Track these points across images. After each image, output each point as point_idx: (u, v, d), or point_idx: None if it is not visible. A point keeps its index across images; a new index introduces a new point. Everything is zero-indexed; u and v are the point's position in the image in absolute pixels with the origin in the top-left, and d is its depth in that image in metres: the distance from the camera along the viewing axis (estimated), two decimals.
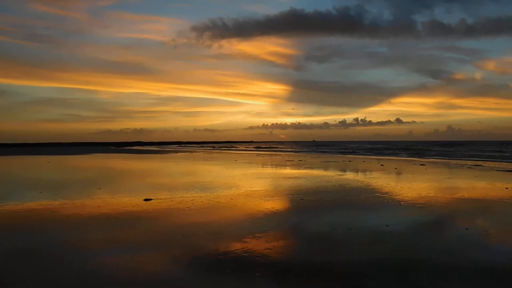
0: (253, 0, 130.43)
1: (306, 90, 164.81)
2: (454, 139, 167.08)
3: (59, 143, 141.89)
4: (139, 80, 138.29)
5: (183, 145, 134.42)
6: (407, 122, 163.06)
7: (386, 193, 10.33)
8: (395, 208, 8.22)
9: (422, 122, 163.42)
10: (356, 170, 18.91)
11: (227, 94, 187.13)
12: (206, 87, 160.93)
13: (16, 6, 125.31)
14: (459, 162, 26.21)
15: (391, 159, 30.40)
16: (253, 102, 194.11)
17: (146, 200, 9.08)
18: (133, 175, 17.13)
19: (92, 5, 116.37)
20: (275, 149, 69.35)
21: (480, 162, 25.87)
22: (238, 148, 77.30)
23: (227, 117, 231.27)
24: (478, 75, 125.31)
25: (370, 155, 40.74)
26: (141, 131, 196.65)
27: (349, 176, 15.88)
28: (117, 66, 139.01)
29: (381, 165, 22.58)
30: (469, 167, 20.57)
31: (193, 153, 46.44)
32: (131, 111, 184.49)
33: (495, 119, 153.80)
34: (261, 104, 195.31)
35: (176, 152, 52.09)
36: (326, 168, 20.55)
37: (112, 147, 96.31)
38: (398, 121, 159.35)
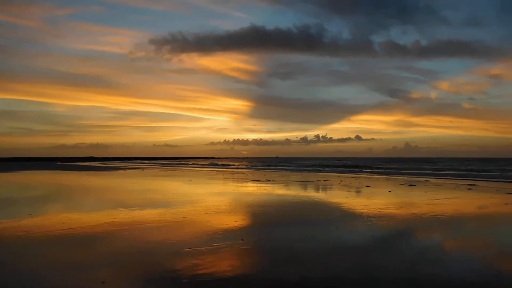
0: (213, 15, 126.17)
1: (268, 106, 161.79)
2: (411, 156, 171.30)
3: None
4: (97, 93, 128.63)
5: (139, 161, 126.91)
6: (366, 139, 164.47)
7: (443, 251, 6.18)
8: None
9: (381, 139, 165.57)
10: (344, 194, 14.87)
11: (188, 109, 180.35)
12: (167, 102, 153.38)
13: None
14: (447, 181, 23.07)
15: (370, 178, 26.86)
16: (215, 117, 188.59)
17: None
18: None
19: (47, 13, 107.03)
20: (236, 166, 64.80)
21: (471, 181, 22.87)
22: (196, 164, 71.93)
23: (188, 132, 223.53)
24: (433, 94, 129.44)
25: (342, 172, 37.30)
26: (97, 145, 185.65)
27: (347, 204, 11.78)
28: (73, 77, 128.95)
29: (367, 186, 18.74)
30: (469, 188, 17.45)
31: (144, 170, 40.97)
32: (87, 125, 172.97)
33: (449, 137, 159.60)
34: (223, 120, 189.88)
35: (125, 169, 46.25)
36: (309, 191, 16.39)
37: (59, 163, 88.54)
38: (358, 138, 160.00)
